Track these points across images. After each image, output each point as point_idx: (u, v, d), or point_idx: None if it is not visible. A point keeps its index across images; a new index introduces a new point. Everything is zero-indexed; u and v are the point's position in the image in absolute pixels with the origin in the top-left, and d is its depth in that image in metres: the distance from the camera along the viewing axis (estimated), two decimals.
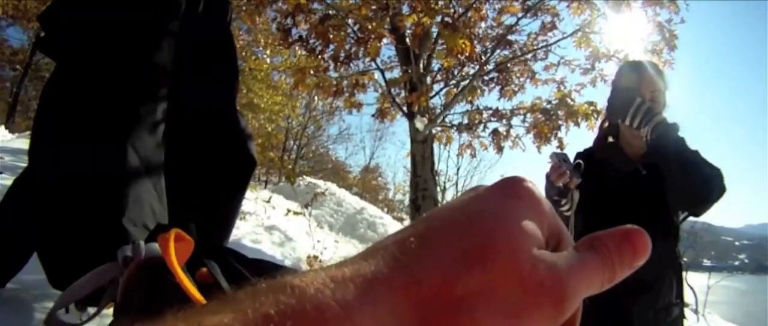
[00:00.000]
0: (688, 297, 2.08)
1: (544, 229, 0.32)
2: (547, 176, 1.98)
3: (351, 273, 0.27)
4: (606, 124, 2.22)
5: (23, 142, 8.36)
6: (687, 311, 2.12)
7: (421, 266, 0.28)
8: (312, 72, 8.31)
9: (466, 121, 8.67)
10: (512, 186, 0.33)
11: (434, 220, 0.31)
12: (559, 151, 2.05)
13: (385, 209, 21.06)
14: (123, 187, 1.64)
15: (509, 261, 0.28)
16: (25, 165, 2.07)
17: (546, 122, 7.82)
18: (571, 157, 2.22)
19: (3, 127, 11.66)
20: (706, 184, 1.87)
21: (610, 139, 2.18)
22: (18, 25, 18.70)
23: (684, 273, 2.11)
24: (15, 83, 19.92)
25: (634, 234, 0.33)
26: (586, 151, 2.24)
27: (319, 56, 7.95)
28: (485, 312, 0.27)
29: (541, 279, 0.28)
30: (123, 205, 1.61)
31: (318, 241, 7.03)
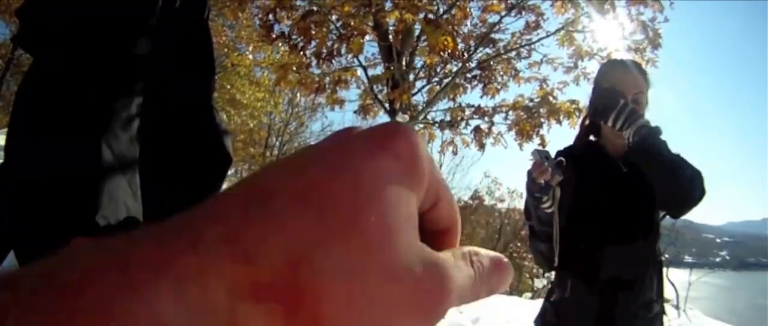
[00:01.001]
0: (669, 292, 2.09)
1: (422, 198, 0.26)
2: (529, 173, 1.96)
3: (143, 252, 0.20)
4: (587, 122, 2.21)
5: (3, 138, 8.28)
6: (668, 307, 2.14)
7: (254, 240, 0.20)
8: (294, 68, 8.29)
9: (448, 118, 8.68)
10: (391, 141, 0.25)
11: (279, 173, 0.24)
12: (541, 148, 2.04)
13: None
14: (97, 184, 1.62)
15: (379, 246, 0.22)
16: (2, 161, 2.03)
17: (528, 120, 7.87)
18: (553, 154, 2.22)
19: None
20: (686, 186, 1.88)
21: (592, 137, 2.18)
22: (0, 20, 18.49)
23: (665, 270, 2.12)
24: None
25: (503, 265, 0.30)
26: (567, 148, 2.23)
27: (302, 52, 7.93)
28: (342, 310, 0.21)
29: (419, 277, 0.23)
30: (97, 203, 1.59)
31: None
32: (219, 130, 2.18)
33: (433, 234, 0.28)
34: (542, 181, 1.91)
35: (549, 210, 1.97)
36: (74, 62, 1.77)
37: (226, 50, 12.82)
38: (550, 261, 2.06)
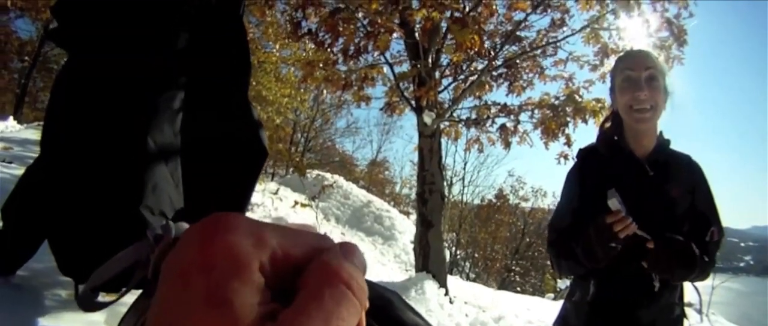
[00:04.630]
0: (692, 296, 2.01)
1: (262, 289, 0.27)
2: (608, 226, 1.76)
3: None
4: (607, 124, 2.14)
5: (32, 133, 8.48)
6: (691, 311, 2.11)
7: None
8: (321, 65, 8.36)
9: (474, 116, 8.68)
10: (188, 268, 0.27)
11: None
12: (614, 191, 1.80)
13: (392, 203, 21.10)
14: (141, 175, 1.67)
15: None
16: (33, 155, 2.10)
17: (554, 118, 7.82)
18: (575, 153, 2.20)
19: (12, 118, 11.78)
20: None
21: (615, 138, 2.09)
22: (27, 17, 18.81)
23: None
24: (23, 75, 20.08)
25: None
26: (591, 147, 2.16)
27: (329, 49, 8.00)
28: None
29: None
30: (141, 193, 1.64)
31: (325, 233, 7.07)
32: (255, 124, 2.23)
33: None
34: (624, 235, 1.75)
35: (616, 253, 1.82)
36: (113, 57, 1.82)
37: (252, 47, 12.88)
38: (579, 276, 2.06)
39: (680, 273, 1.87)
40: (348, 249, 0.32)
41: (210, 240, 0.27)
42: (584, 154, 2.13)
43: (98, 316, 2.17)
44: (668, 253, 1.82)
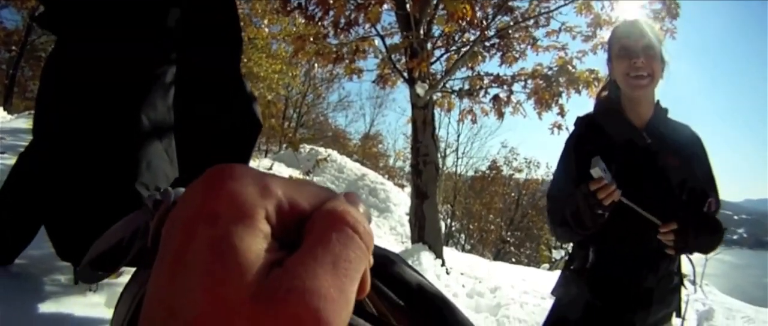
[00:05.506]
0: (686, 267, 2.04)
1: (268, 236, 0.27)
2: (592, 194, 1.79)
3: None
4: (604, 93, 2.16)
5: (22, 122, 8.43)
6: (685, 281, 2.13)
7: None
8: (311, 39, 8.31)
9: (467, 87, 8.66)
10: (192, 219, 0.26)
11: None
12: (599, 158, 1.82)
13: (386, 175, 21.12)
14: (135, 153, 1.66)
15: None
16: (25, 144, 2.08)
17: (547, 89, 7.82)
18: (573, 122, 2.20)
19: (1, 108, 11.70)
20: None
21: (612, 106, 2.08)
22: (12, 7, 18.64)
23: None
24: (11, 65, 19.96)
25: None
26: (587, 115, 2.16)
27: (319, 23, 7.94)
28: None
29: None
30: (136, 171, 1.63)
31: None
32: (248, 97, 2.21)
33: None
34: (608, 202, 1.78)
35: (604, 220, 1.86)
36: (104, 34, 1.79)
37: (242, 24, 12.76)
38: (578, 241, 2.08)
39: (708, 242, 1.95)
40: (352, 198, 0.32)
41: (215, 190, 0.27)
42: (582, 122, 2.13)
43: (98, 298, 2.16)
44: (691, 230, 1.86)
